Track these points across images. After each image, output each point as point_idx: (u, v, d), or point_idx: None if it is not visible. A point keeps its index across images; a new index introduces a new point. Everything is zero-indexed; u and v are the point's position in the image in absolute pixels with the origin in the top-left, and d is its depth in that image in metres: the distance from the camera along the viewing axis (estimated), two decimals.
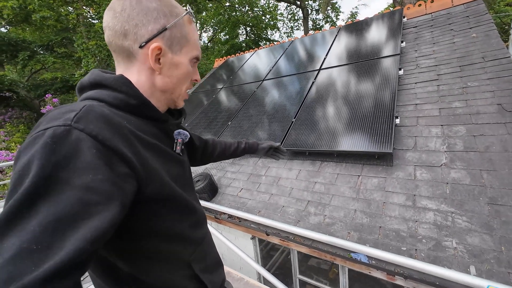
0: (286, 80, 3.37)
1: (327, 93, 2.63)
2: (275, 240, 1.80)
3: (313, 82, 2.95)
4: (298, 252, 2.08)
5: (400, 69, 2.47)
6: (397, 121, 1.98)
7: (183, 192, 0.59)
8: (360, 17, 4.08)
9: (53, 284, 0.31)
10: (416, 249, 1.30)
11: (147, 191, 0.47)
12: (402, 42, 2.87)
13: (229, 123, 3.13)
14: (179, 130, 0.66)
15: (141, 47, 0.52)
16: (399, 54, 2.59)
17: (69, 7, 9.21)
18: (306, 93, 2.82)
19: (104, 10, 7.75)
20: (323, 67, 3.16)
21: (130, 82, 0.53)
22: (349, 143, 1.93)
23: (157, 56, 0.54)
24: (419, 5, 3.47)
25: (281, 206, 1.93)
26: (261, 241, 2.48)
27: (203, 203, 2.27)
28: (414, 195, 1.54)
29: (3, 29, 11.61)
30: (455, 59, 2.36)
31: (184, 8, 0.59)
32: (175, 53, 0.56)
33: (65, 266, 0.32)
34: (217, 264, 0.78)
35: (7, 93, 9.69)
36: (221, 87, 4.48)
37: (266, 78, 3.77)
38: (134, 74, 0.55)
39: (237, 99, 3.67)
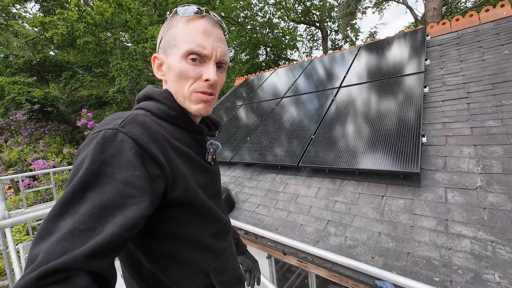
0: (305, 98, 3.40)
1: (348, 111, 2.60)
2: (292, 260, 1.72)
3: (333, 100, 2.94)
4: (317, 276, 1.97)
5: (425, 86, 2.39)
6: (424, 139, 1.88)
7: (208, 199, 0.61)
8: (380, 37, 4.09)
9: (94, 260, 0.36)
10: (451, 281, 1.18)
11: (173, 194, 0.51)
12: (426, 59, 2.81)
13: (248, 138, 3.18)
14: (212, 141, 0.69)
15: None
16: (423, 71, 2.52)
17: (108, 33, 10.27)
18: (325, 110, 2.81)
19: (138, 35, 8.54)
20: (343, 84, 3.15)
21: (171, 95, 0.60)
22: (372, 161, 1.86)
23: (159, 66, 0.62)
24: (443, 23, 3.41)
25: (299, 224, 1.86)
26: (277, 261, 2.38)
27: None
28: (446, 219, 1.42)
29: (51, 53, 13.17)
30: (486, 77, 2.25)
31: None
32: (168, 56, 0.58)
33: (104, 246, 0.37)
34: (238, 281, 0.75)
35: (49, 108, 10.74)
36: (240, 104, 4.61)
37: (285, 96, 3.83)
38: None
39: (256, 116, 3.74)
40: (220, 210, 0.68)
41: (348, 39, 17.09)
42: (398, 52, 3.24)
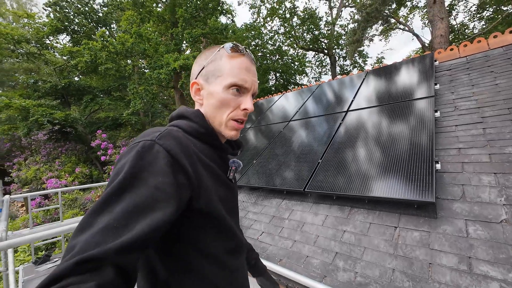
0: (313, 121, 3.38)
1: (356, 135, 2.54)
2: None
3: (340, 123, 2.90)
4: None
5: (436, 111, 2.32)
6: (438, 166, 1.77)
7: (226, 214, 0.64)
8: (387, 62, 4.14)
9: (122, 255, 0.40)
10: None
11: (197, 204, 0.55)
12: (436, 84, 2.77)
13: (254, 161, 3.14)
14: (234, 159, 0.75)
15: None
16: (433, 96, 2.47)
17: (128, 60, 11.06)
18: (333, 134, 2.76)
19: (155, 61, 9.13)
20: (351, 108, 3.13)
21: (203, 115, 0.67)
22: (382, 188, 1.75)
23: (197, 91, 0.69)
24: (451, 49, 3.42)
25: (304, 256, 1.73)
26: None
27: None
28: (469, 257, 1.26)
29: (76, 78, 14.21)
30: (501, 101, 2.16)
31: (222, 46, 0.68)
32: (210, 84, 0.67)
33: (132, 243, 0.41)
34: None
35: (68, 129, 11.30)
36: (249, 126, 4.65)
37: (293, 119, 3.83)
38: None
39: (264, 138, 3.73)
40: (236, 228, 0.71)
41: (356, 65, 17.49)
42: (406, 77, 3.23)
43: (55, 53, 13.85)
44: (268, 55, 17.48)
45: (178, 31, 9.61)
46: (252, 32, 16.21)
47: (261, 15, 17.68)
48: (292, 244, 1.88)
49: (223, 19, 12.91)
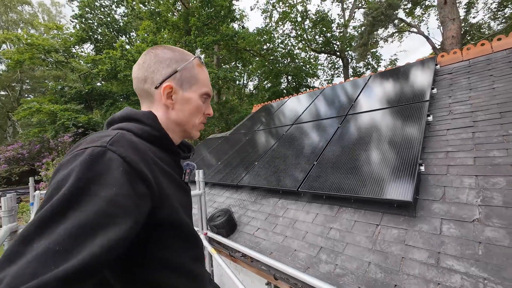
0: (313, 125, 3.51)
1: (351, 139, 2.64)
2: (284, 286, 1.72)
3: (338, 127, 3.01)
4: None
5: (428, 115, 2.38)
6: (422, 168, 1.86)
7: (189, 221, 0.63)
8: (401, 63, 4.10)
9: (69, 286, 0.33)
10: None
11: (159, 214, 0.51)
12: (433, 88, 2.81)
13: (256, 163, 3.31)
14: (188, 162, 0.75)
15: (156, 87, 0.65)
16: (427, 100, 2.53)
17: None
18: (330, 137, 2.88)
19: None
20: (349, 113, 3.23)
21: (155, 117, 0.63)
22: (368, 189, 1.87)
23: (169, 94, 0.65)
24: (454, 52, 3.42)
25: (293, 249, 1.87)
26: None
27: (219, 238, 2.35)
28: (439, 252, 1.36)
29: (98, 84, 15.18)
30: (494, 105, 2.20)
31: (194, 55, 0.71)
32: (185, 90, 0.67)
33: (81, 269, 0.34)
34: None
35: (91, 131, 12.13)
36: (254, 130, 4.84)
37: (295, 123, 3.98)
38: (154, 111, 0.66)
39: (266, 142, 3.90)
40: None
41: (369, 66, 17.21)
42: (406, 81, 3.28)
43: (80, 61, 14.90)
44: (279, 59, 17.65)
45: (190, 38, 10.07)
46: (264, 36, 16.49)
47: (273, 19, 17.94)
48: (283, 239, 2.03)
49: (235, 25, 13.28)
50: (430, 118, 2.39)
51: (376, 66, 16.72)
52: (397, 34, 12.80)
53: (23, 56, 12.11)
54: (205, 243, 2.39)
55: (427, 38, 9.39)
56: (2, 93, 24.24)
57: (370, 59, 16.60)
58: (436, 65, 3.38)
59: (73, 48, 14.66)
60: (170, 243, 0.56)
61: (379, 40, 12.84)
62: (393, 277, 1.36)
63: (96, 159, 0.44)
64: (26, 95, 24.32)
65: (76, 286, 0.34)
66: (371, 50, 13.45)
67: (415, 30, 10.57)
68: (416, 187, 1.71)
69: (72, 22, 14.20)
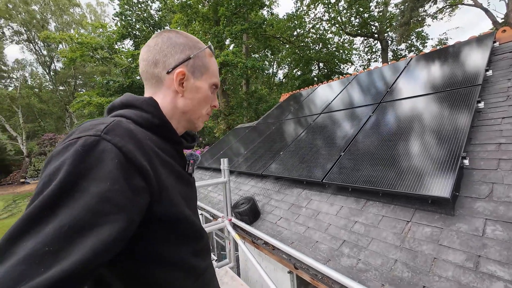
0: (342, 114, 3.33)
1: (383, 128, 2.45)
2: (305, 276, 1.72)
3: (369, 116, 2.81)
4: None
5: (479, 101, 2.08)
6: (466, 162, 1.65)
7: (192, 214, 0.58)
8: (452, 43, 3.52)
9: None
10: None
11: (158, 208, 0.48)
12: (487, 70, 2.42)
13: (281, 153, 3.29)
14: (191, 152, 0.71)
15: (168, 72, 0.61)
16: (479, 84, 2.20)
17: None
18: (360, 127, 2.71)
19: None
20: (383, 100, 2.97)
21: (157, 104, 0.59)
22: (399, 183, 1.73)
23: (181, 80, 0.62)
24: None
25: (314, 241, 1.85)
26: (299, 279, 2.35)
27: (243, 225, 2.43)
28: (479, 256, 1.22)
29: (138, 77, 16.34)
30: None
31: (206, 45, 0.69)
32: (197, 79, 0.65)
33: (71, 273, 0.32)
34: None
35: None
36: (282, 119, 4.78)
37: (323, 112, 3.81)
38: (160, 97, 0.62)
39: (293, 131, 3.83)
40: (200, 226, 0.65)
41: (413, 48, 15.45)
42: (454, 63, 2.88)
43: (122, 56, 16.14)
44: (310, 45, 16.86)
45: (219, 29, 10.14)
46: (295, 21, 15.83)
47: (304, 2, 17.05)
48: (305, 230, 2.01)
49: (264, 12, 12.97)
50: (481, 105, 2.08)
51: (422, 48, 14.94)
52: (448, 8, 11.12)
53: (75, 54, 13.57)
54: (230, 228, 2.50)
55: (486, 11, 7.93)
56: (61, 88, 27.72)
57: (414, 40, 14.88)
58: (495, 42, 2.89)
59: (116, 45, 15.90)
60: (168, 238, 0.53)
61: (425, 17, 11.33)
62: (421, 277, 1.26)
63: (89, 150, 0.40)
64: (79, 89, 27.46)
65: None
66: (416, 30, 11.96)
67: (471, 2, 9.03)
68: (457, 182, 1.53)
69: (114, 20, 15.34)
